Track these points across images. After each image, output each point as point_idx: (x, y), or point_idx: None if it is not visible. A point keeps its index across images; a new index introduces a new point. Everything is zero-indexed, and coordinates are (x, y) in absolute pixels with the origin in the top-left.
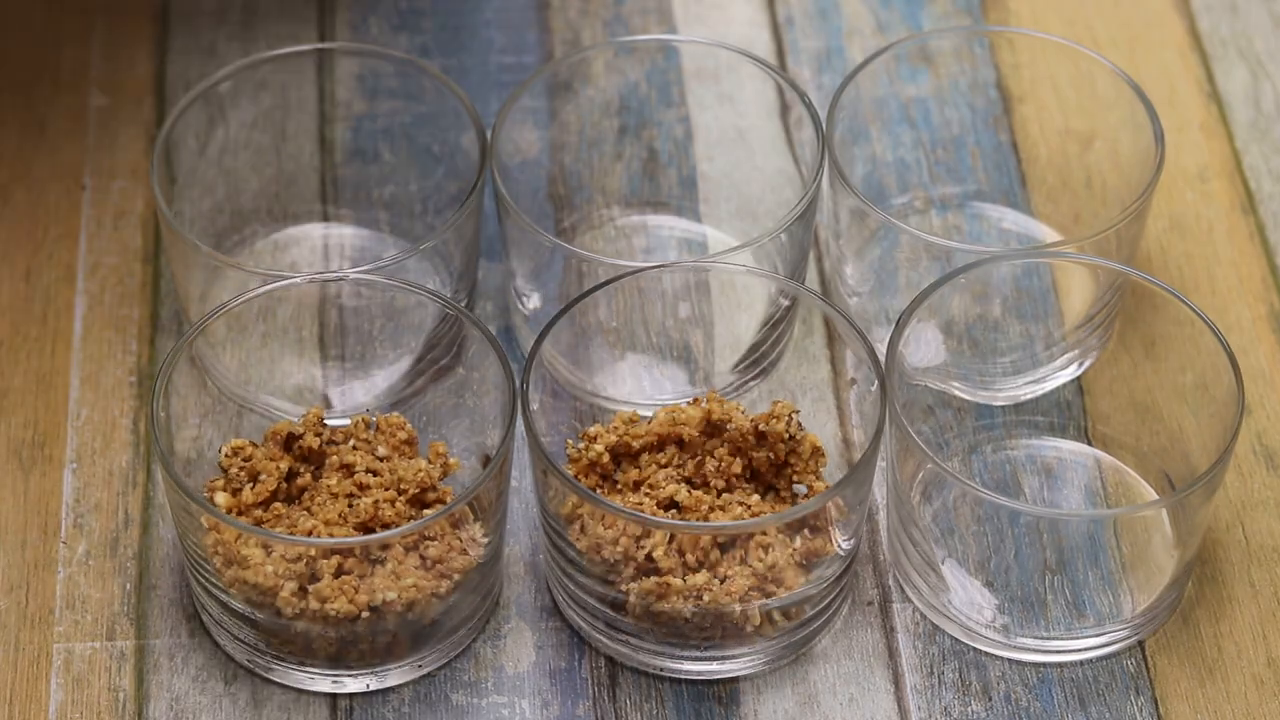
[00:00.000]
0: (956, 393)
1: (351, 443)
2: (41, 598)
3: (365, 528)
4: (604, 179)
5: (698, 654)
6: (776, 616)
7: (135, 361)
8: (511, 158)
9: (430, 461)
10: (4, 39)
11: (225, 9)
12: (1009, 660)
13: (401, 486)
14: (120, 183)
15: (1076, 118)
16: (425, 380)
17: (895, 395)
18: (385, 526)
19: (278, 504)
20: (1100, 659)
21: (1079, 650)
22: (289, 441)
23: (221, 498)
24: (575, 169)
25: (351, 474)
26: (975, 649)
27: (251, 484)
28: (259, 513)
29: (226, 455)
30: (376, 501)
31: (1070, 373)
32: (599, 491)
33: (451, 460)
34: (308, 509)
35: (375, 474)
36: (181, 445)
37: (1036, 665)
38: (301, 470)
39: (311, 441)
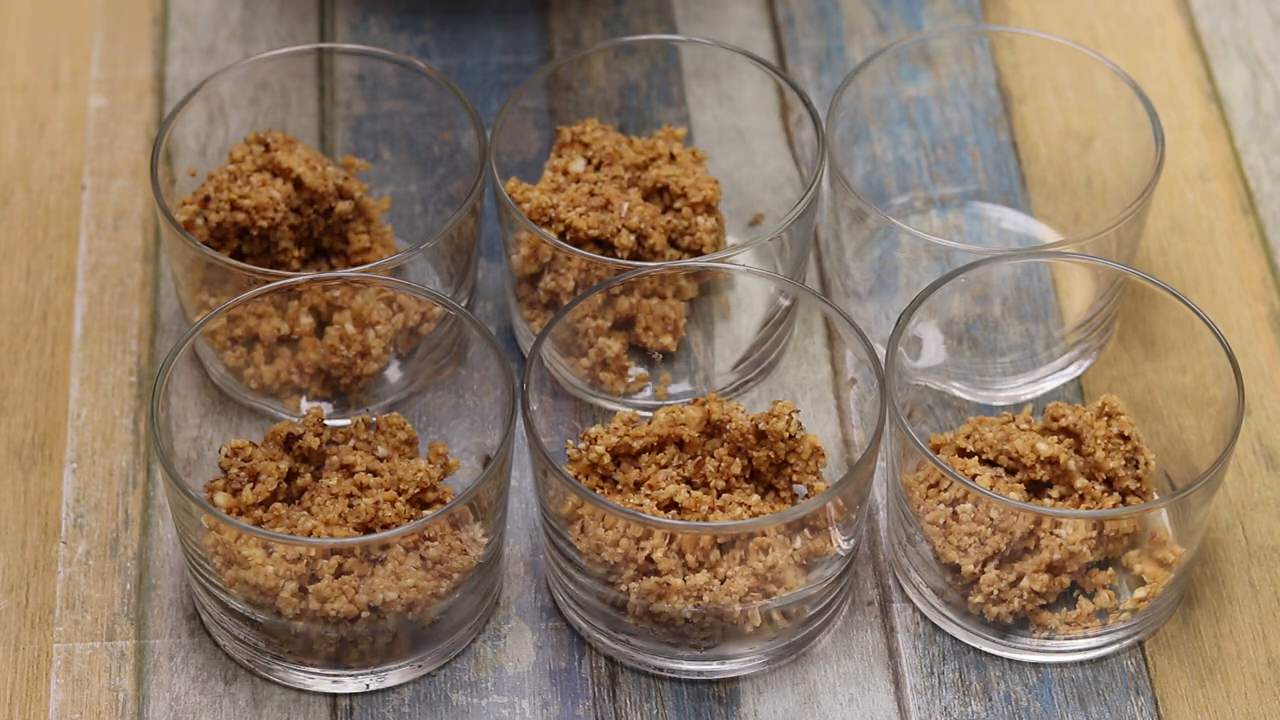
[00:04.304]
0: (956, 393)
1: (351, 443)
2: (42, 598)
3: (365, 528)
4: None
5: (697, 654)
6: (776, 616)
7: (135, 361)
8: (511, 158)
9: (430, 461)
10: (4, 39)
11: (225, 9)
12: (1009, 660)
13: (401, 487)
14: (120, 183)
15: (1076, 118)
16: (425, 380)
17: (895, 395)
18: (385, 527)
19: (278, 504)
20: (1100, 659)
21: (1079, 650)
22: (289, 442)
23: (221, 498)
24: None
25: (351, 474)
26: (975, 649)
27: (251, 484)
28: (259, 513)
29: (226, 455)
30: (377, 502)
31: (1070, 373)
32: (599, 492)
33: (451, 460)
34: (308, 509)
35: (375, 474)
36: (181, 445)
37: (1036, 665)
38: (301, 470)
39: (311, 442)
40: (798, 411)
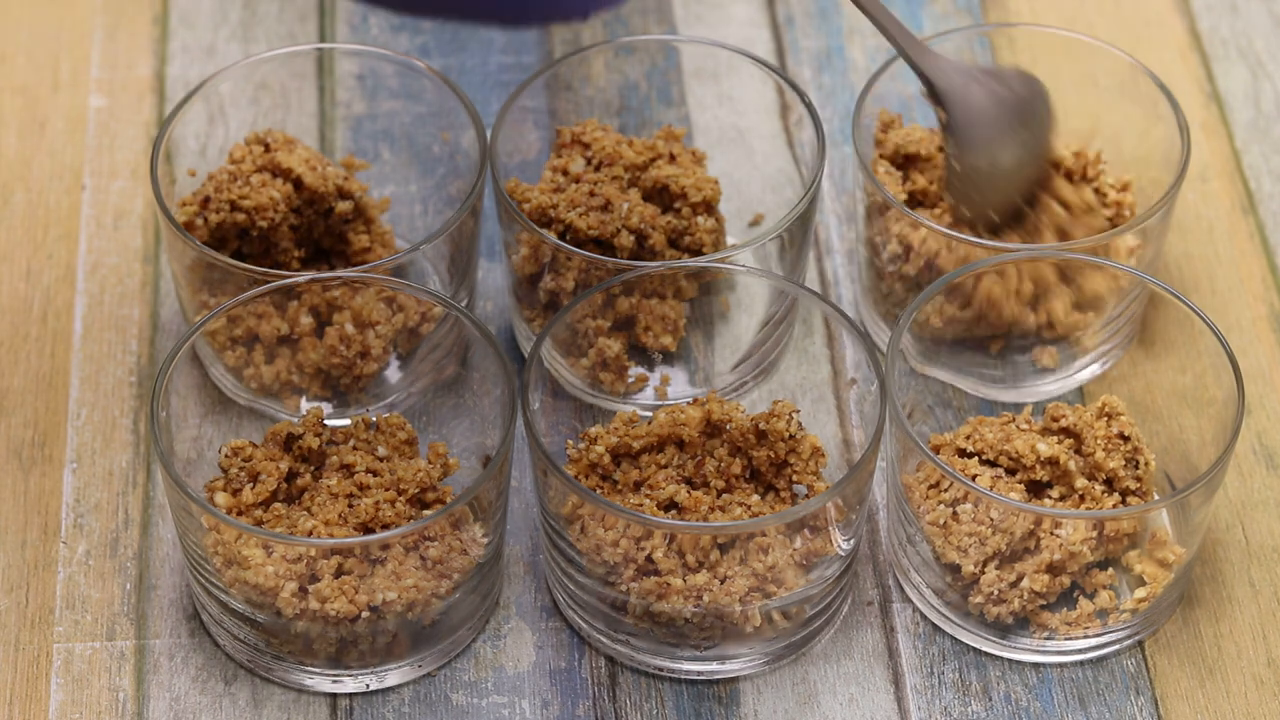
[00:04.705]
0: (968, 391)
1: (351, 443)
2: (42, 598)
3: (365, 528)
4: None
5: (697, 654)
6: (776, 616)
7: (135, 361)
8: (511, 158)
9: (430, 462)
10: (4, 39)
11: (225, 9)
12: (1009, 660)
13: (401, 486)
14: (120, 183)
15: (1077, 118)
16: (425, 380)
17: (895, 395)
18: (385, 527)
19: (278, 504)
20: (1100, 659)
21: (1078, 650)
22: (289, 442)
23: (221, 498)
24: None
25: (351, 474)
26: (975, 649)
27: (252, 484)
28: (259, 513)
29: (226, 455)
30: (377, 502)
31: (1088, 374)
32: (599, 492)
33: (451, 460)
34: (308, 509)
35: (375, 474)
36: (181, 445)
37: (1036, 665)
38: (301, 470)
39: (311, 442)
40: (798, 411)
